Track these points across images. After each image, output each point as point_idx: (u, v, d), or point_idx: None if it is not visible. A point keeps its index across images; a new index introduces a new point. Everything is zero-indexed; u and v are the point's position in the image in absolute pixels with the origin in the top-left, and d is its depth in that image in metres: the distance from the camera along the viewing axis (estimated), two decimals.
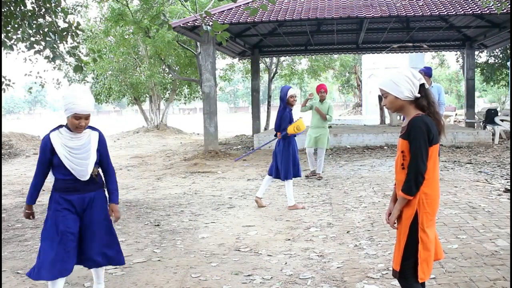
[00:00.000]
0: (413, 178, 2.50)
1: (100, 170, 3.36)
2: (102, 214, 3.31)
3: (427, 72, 7.78)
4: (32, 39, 6.45)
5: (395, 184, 2.73)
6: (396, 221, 2.68)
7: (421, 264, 2.53)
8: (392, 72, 2.68)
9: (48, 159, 3.16)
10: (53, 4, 6.32)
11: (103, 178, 3.39)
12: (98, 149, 3.26)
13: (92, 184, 3.26)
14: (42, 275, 3.11)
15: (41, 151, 3.17)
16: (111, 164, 3.42)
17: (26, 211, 3.32)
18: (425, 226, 2.54)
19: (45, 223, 3.25)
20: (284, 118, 6.39)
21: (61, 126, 3.20)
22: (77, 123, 3.09)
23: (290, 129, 6.38)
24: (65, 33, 6.40)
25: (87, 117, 3.12)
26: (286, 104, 6.45)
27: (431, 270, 2.62)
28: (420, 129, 2.49)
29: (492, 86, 26.76)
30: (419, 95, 2.58)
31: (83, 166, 3.15)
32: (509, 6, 10.53)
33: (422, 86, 2.59)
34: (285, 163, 6.34)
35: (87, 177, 3.18)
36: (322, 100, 8.78)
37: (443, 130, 2.63)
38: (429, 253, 2.55)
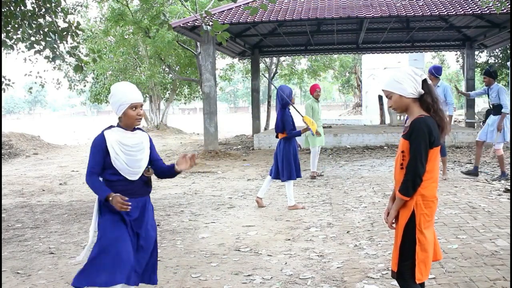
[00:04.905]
0: (411, 180, 2.48)
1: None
2: (153, 223, 3.16)
3: (436, 72, 7.69)
4: (32, 39, 6.45)
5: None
6: (394, 221, 2.67)
7: (419, 265, 2.51)
8: (393, 71, 2.67)
9: (103, 158, 2.95)
10: (53, 4, 6.32)
11: (157, 169, 3.18)
12: (150, 148, 3.12)
13: (145, 187, 3.09)
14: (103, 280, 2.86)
15: (95, 150, 2.95)
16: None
17: (117, 198, 2.85)
18: (422, 227, 2.52)
19: (99, 228, 3.01)
20: (287, 118, 6.39)
21: (112, 126, 3.06)
22: (136, 113, 2.99)
23: (308, 120, 6.51)
24: (65, 33, 6.40)
25: (141, 106, 3.05)
26: (287, 104, 6.43)
27: (429, 271, 2.60)
28: (422, 130, 2.46)
29: None
30: (422, 91, 2.55)
31: (136, 164, 2.99)
32: (509, 6, 10.53)
33: (425, 82, 2.56)
34: (288, 164, 6.34)
35: (137, 176, 3.00)
36: (317, 98, 8.97)
37: (446, 128, 2.57)
38: (427, 254, 2.53)
